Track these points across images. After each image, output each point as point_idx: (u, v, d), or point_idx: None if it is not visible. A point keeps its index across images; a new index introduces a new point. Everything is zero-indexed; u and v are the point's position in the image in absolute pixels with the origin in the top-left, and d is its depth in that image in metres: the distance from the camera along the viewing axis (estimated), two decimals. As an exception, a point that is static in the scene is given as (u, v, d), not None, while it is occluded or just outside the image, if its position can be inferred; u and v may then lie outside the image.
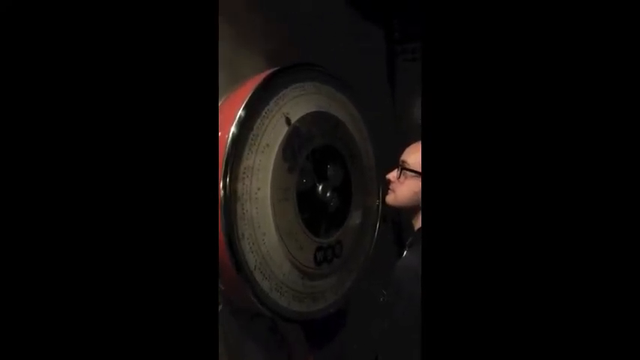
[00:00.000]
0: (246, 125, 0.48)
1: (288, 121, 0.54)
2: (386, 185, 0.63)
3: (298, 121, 0.56)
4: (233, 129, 0.47)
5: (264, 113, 0.51)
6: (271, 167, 0.52)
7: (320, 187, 0.61)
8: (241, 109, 0.48)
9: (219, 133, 0.47)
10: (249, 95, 0.49)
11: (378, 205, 0.73)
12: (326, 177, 0.63)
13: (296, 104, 0.57)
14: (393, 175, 0.61)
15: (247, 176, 0.49)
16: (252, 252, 0.49)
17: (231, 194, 0.47)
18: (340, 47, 0.75)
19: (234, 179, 0.47)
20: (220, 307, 0.53)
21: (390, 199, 0.62)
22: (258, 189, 0.50)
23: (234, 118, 0.47)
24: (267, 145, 0.52)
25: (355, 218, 0.68)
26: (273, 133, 0.52)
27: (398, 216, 0.87)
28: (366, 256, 0.71)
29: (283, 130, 0.54)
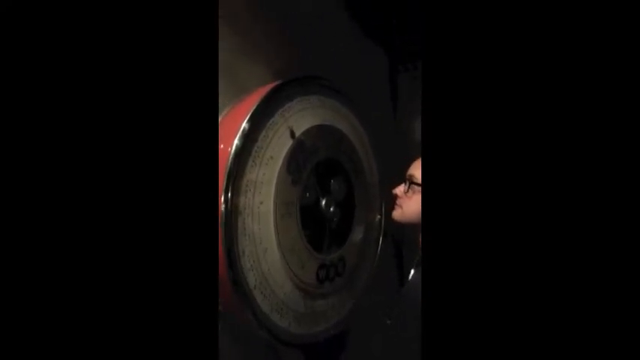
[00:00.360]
0: (250, 137, 0.47)
1: (292, 134, 0.52)
2: (392, 200, 0.61)
3: (303, 134, 0.55)
4: (236, 141, 0.45)
5: (268, 125, 0.49)
6: (275, 180, 0.50)
7: (323, 202, 0.60)
8: (245, 121, 0.46)
9: (222, 146, 0.45)
10: (255, 107, 0.47)
11: (380, 221, 0.72)
12: (329, 191, 0.61)
13: (301, 117, 0.55)
14: (400, 190, 0.58)
15: (250, 190, 0.47)
16: (253, 269, 0.47)
17: (233, 209, 0.45)
18: (342, 62, 0.75)
19: (236, 193, 0.45)
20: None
21: (397, 214, 0.58)
22: (261, 203, 0.48)
23: (238, 131, 0.45)
24: (272, 157, 0.50)
25: (358, 234, 0.66)
26: (277, 146, 0.50)
27: (400, 232, 0.85)
28: (369, 274, 0.68)
29: (288, 142, 0.52)
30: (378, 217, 0.71)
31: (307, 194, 0.57)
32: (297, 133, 0.54)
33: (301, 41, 0.66)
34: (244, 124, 0.46)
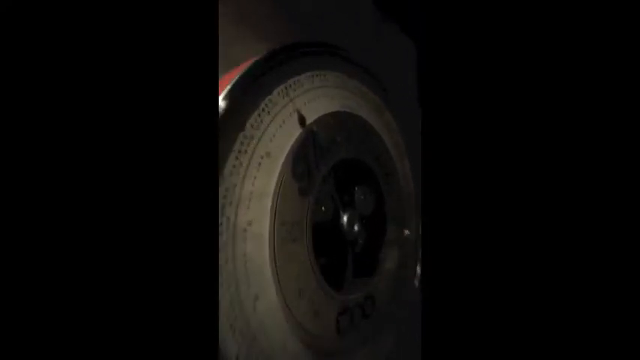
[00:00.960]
0: (230, 123, 0.30)
1: (302, 119, 0.36)
2: None
3: (316, 122, 0.38)
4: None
5: (263, 105, 0.33)
6: (273, 188, 0.33)
7: (345, 218, 0.43)
8: (222, 97, 0.30)
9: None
10: (238, 77, 0.31)
11: (416, 243, 0.54)
12: (352, 203, 0.45)
13: (313, 99, 0.39)
14: None
15: (230, 203, 0.30)
16: (234, 332, 0.30)
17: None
18: (366, 37, 0.58)
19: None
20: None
21: None
22: (249, 224, 0.31)
23: None
24: (268, 154, 0.33)
25: (391, 260, 0.49)
26: (277, 138, 0.34)
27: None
28: (406, 316, 0.51)
29: (294, 133, 0.35)
30: (408, 233, 0.54)
31: (322, 208, 0.40)
32: (309, 121, 0.37)
33: (313, 5, 0.51)
34: (220, 102, 0.29)
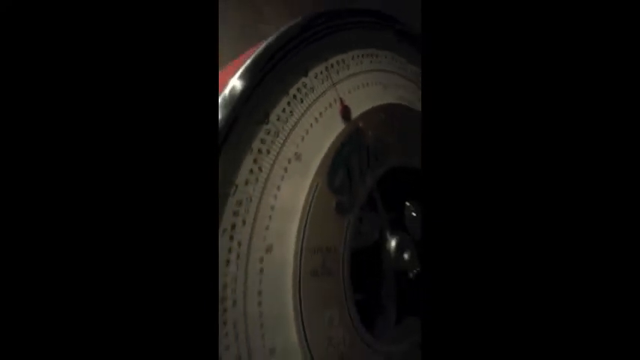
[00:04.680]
0: (248, 112, 0.22)
1: (346, 112, 0.27)
2: None
3: (363, 117, 0.29)
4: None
5: (294, 91, 0.24)
6: (302, 203, 0.24)
7: (393, 243, 0.33)
8: (237, 76, 0.21)
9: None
10: (261, 49, 0.22)
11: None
12: (403, 225, 0.35)
13: (361, 86, 0.30)
14: None
15: (244, 222, 0.22)
16: None
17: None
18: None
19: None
20: None
21: None
22: (268, 250, 0.23)
23: (220, 95, 0.20)
24: (298, 157, 0.25)
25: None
26: (312, 135, 0.25)
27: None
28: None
29: (335, 130, 0.27)
30: None
31: (363, 230, 0.31)
32: (355, 115, 0.28)
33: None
34: (233, 82, 0.21)
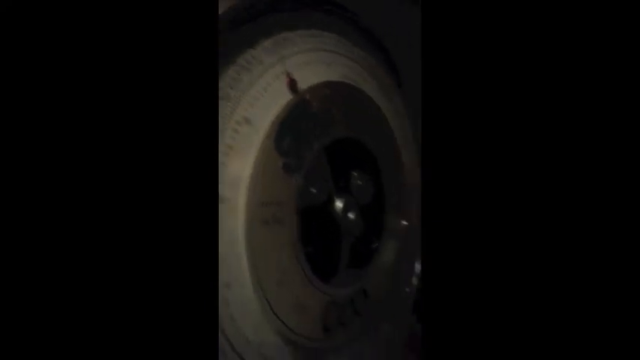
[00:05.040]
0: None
1: (293, 84, 0.31)
2: None
3: (310, 91, 0.33)
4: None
5: (243, 62, 0.28)
6: (252, 161, 0.28)
7: (339, 204, 0.38)
8: None
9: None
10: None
11: (417, 234, 0.49)
12: (348, 189, 0.40)
13: (308, 63, 0.34)
14: None
15: None
16: None
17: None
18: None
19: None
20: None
21: None
22: (221, 200, 0.27)
23: None
24: (247, 120, 0.28)
25: (389, 253, 0.44)
26: (261, 102, 0.29)
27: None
28: (404, 315, 0.46)
29: (282, 98, 0.31)
30: (406, 224, 0.48)
31: (313, 190, 0.36)
32: (302, 88, 0.32)
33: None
34: None
